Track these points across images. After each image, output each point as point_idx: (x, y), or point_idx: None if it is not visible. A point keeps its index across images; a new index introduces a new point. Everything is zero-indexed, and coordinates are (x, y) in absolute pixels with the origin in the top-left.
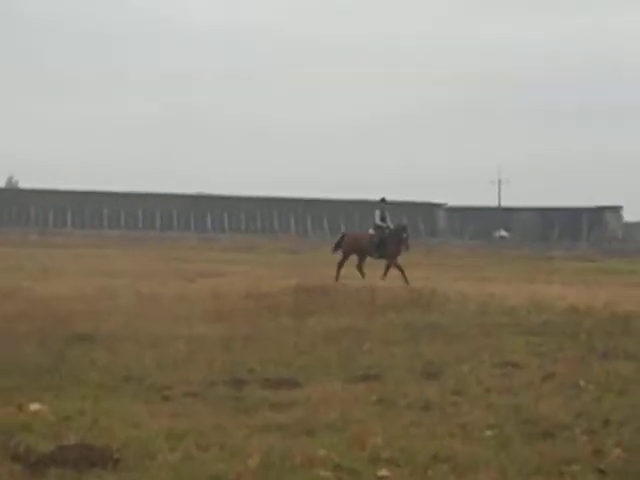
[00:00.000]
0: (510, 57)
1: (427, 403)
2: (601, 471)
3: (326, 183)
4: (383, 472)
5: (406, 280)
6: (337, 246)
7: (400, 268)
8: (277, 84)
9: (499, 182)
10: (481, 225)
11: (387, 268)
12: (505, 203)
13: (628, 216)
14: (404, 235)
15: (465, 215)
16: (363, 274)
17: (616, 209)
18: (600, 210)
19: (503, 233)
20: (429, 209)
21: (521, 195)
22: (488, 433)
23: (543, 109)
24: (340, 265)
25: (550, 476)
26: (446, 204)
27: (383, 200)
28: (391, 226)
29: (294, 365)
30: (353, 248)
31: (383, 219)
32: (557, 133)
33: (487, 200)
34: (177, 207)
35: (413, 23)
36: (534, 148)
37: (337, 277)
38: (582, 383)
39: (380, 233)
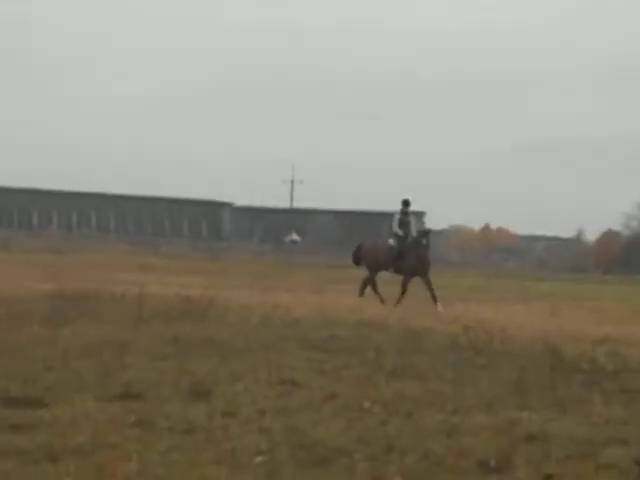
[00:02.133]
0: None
1: (192, 425)
2: None
3: (98, 176)
4: None
5: (435, 300)
6: (357, 259)
7: (429, 287)
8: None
9: (292, 182)
10: (271, 227)
11: (403, 288)
12: (299, 204)
13: (431, 223)
14: (423, 242)
15: (254, 216)
16: (379, 294)
17: (419, 215)
18: None
19: (295, 237)
20: (214, 209)
21: (316, 197)
22: (258, 459)
23: (345, 110)
24: (372, 284)
25: None
26: (233, 203)
27: (406, 203)
28: (414, 234)
29: (42, 381)
30: (375, 259)
31: (403, 225)
32: (355, 134)
33: (279, 201)
34: None
35: None
36: (331, 148)
37: (381, 298)
38: (367, 404)
39: (400, 243)
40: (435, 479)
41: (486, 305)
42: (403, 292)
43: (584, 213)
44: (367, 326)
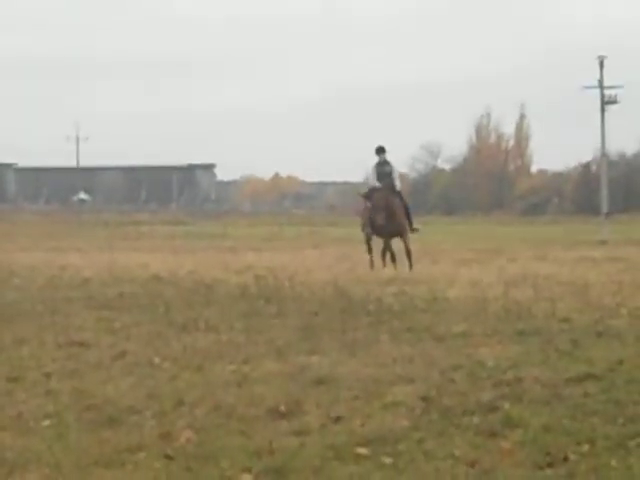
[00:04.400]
0: None
1: None
2: (168, 456)
3: None
4: None
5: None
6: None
7: (407, 249)
8: None
9: (77, 139)
10: (58, 187)
11: (383, 253)
12: (86, 162)
13: (222, 175)
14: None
15: (39, 176)
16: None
17: (209, 167)
18: (192, 169)
19: (83, 196)
20: None
21: (104, 154)
22: (45, 423)
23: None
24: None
25: (111, 467)
26: (16, 164)
27: (380, 150)
28: (398, 186)
29: None
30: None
31: (383, 177)
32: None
33: (65, 160)
34: None
35: None
36: (115, 102)
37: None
38: (157, 360)
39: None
40: (225, 429)
41: (278, 253)
42: (408, 256)
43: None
44: (157, 282)
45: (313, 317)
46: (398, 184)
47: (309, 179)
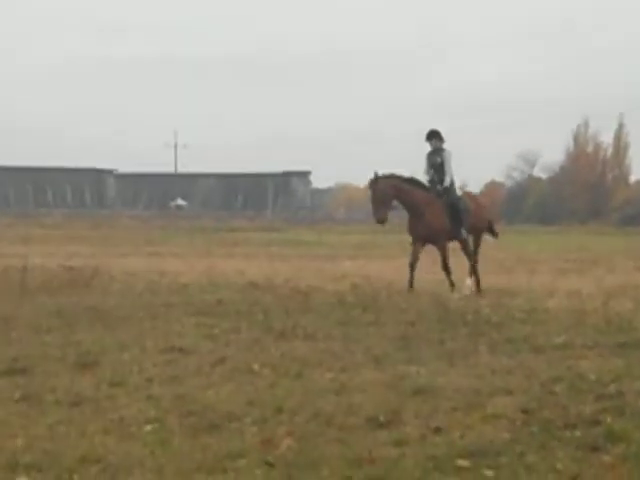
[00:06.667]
0: None
1: (79, 397)
2: (269, 464)
3: None
4: (22, 479)
5: (478, 285)
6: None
7: (471, 263)
8: None
9: (176, 146)
10: (156, 193)
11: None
12: (183, 169)
13: (317, 182)
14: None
15: (138, 182)
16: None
17: (304, 174)
18: (287, 176)
19: (181, 202)
20: (96, 176)
21: (201, 160)
22: (147, 428)
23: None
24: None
25: (213, 473)
26: (116, 170)
27: (432, 135)
28: (452, 178)
29: None
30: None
31: (436, 168)
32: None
33: (163, 166)
34: None
35: None
36: (214, 111)
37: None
38: (256, 367)
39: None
40: (325, 437)
41: (373, 261)
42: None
43: (467, 165)
44: (254, 288)
45: (410, 327)
46: (448, 179)
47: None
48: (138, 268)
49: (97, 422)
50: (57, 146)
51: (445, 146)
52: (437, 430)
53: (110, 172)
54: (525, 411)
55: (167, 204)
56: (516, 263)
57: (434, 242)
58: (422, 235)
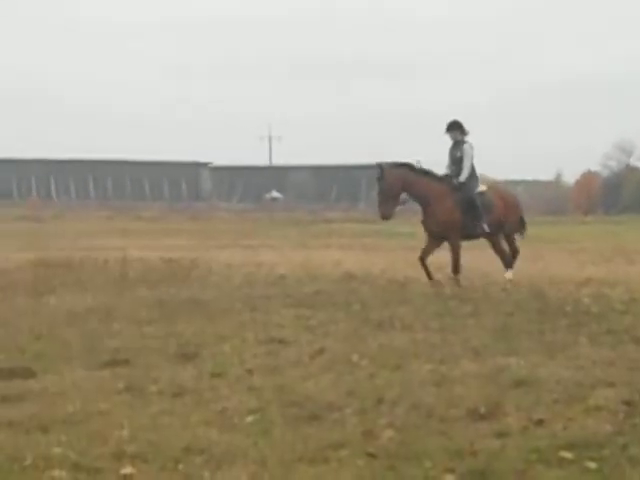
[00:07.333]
0: None
1: (181, 388)
2: (371, 455)
3: (72, 142)
4: (127, 469)
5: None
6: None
7: (502, 253)
8: None
9: (270, 139)
10: (251, 186)
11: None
12: (277, 161)
13: None
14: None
15: (233, 175)
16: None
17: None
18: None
19: (275, 194)
20: (192, 169)
21: (295, 153)
22: (249, 419)
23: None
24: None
25: (314, 463)
26: (211, 163)
27: (453, 125)
28: (464, 176)
29: (29, 351)
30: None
31: (454, 163)
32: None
33: (257, 158)
34: None
35: None
36: (307, 103)
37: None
38: (355, 358)
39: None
40: (426, 429)
41: (468, 252)
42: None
43: (563, 156)
44: (351, 279)
45: (508, 318)
46: (465, 174)
47: (499, 177)
48: (235, 260)
49: (199, 413)
50: (153, 139)
51: (468, 139)
52: (539, 422)
53: (205, 165)
54: (628, 403)
55: (262, 196)
56: (614, 253)
57: (445, 238)
58: (432, 230)
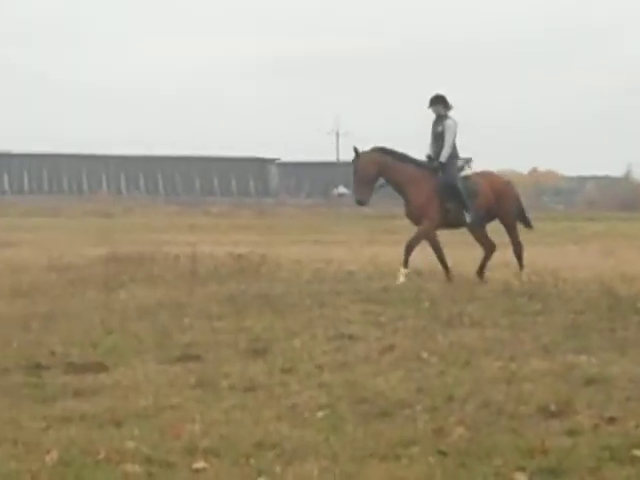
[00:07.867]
0: None
1: (252, 383)
2: (442, 452)
3: (141, 139)
4: (200, 464)
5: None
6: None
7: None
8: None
9: (337, 134)
10: (319, 182)
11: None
12: (345, 157)
13: (479, 169)
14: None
15: (300, 171)
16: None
17: (466, 161)
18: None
19: (343, 190)
20: (260, 165)
21: (363, 149)
22: (319, 415)
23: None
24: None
25: (386, 460)
26: (279, 159)
27: (436, 99)
28: (444, 155)
29: (102, 346)
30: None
31: (435, 140)
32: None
33: (325, 154)
34: None
35: None
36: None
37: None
38: (424, 355)
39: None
40: (496, 426)
41: (537, 248)
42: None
43: (633, 151)
44: (418, 276)
45: (579, 315)
46: (446, 153)
47: (568, 173)
48: (303, 256)
49: (271, 408)
50: (219, 135)
51: (451, 114)
52: (611, 420)
53: (273, 161)
54: None
55: (329, 192)
56: None
57: (419, 225)
58: (411, 217)
